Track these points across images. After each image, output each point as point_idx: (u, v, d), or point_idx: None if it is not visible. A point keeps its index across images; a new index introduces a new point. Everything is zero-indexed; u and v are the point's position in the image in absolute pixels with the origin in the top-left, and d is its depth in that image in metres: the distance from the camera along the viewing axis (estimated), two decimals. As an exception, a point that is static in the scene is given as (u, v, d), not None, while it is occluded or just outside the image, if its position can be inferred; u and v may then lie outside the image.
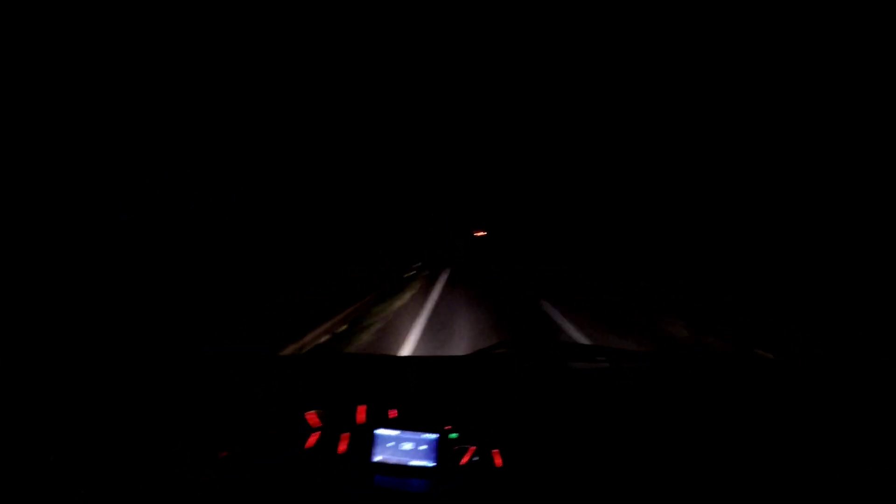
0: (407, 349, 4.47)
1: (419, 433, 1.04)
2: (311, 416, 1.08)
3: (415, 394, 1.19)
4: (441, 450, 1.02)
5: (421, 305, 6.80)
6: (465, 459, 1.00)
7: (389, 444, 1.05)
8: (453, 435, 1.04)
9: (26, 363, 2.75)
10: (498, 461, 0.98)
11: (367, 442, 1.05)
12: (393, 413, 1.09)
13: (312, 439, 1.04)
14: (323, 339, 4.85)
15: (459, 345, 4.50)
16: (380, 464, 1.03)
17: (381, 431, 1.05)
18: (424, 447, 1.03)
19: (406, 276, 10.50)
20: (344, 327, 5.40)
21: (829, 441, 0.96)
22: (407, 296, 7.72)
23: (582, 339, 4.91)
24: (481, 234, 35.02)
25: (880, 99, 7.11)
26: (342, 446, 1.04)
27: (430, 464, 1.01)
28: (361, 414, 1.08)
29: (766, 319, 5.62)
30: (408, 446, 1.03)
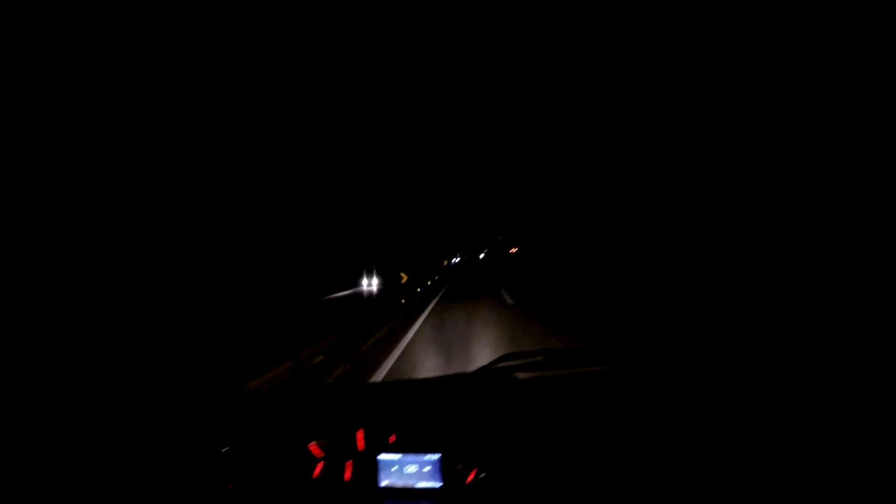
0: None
1: (421, 455, 1.03)
2: (314, 447, 1.09)
3: (413, 417, 1.18)
4: (445, 470, 1.01)
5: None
6: (469, 478, 0.98)
7: (394, 469, 1.04)
8: (454, 455, 1.02)
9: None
10: (500, 478, 0.96)
11: (371, 468, 1.05)
12: (392, 438, 1.08)
13: (318, 469, 1.06)
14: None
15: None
16: (387, 488, 1.03)
17: (383, 456, 1.05)
18: (428, 468, 1.02)
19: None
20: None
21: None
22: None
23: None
24: (514, 250, 37.92)
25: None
26: (347, 474, 1.04)
27: (437, 484, 1.01)
28: (361, 439, 1.08)
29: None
30: (412, 469, 1.03)
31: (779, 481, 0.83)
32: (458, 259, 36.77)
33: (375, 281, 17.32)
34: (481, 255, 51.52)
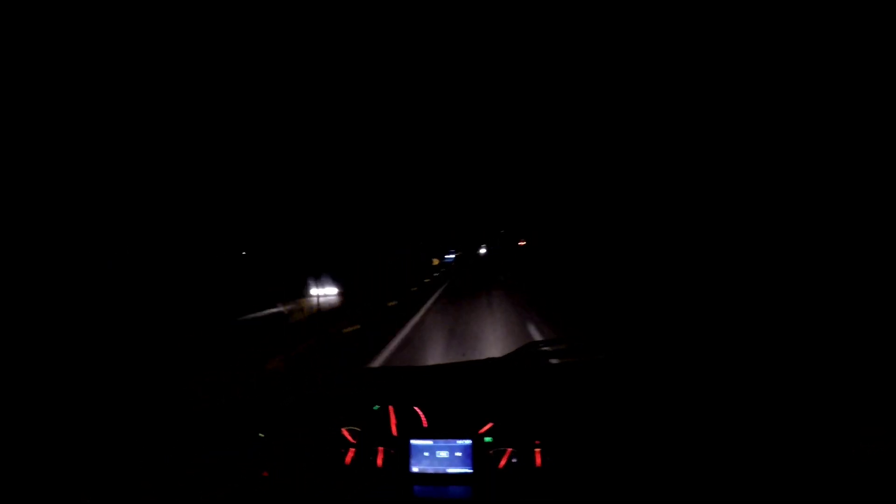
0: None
1: (453, 440, 1.04)
2: (346, 433, 1.10)
3: (444, 401, 1.19)
4: (476, 455, 1.02)
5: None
6: (502, 463, 0.99)
7: (425, 454, 1.05)
8: (488, 439, 1.03)
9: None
10: (538, 461, 0.97)
11: (403, 453, 1.05)
12: (419, 411, 1.10)
13: (350, 455, 1.06)
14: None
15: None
16: (418, 474, 1.03)
17: (416, 441, 1.06)
18: (460, 454, 1.03)
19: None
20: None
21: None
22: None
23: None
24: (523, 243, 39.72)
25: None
26: (380, 459, 1.05)
27: (468, 470, 1.01)
28: (393, 419, 1.09)
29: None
30: (443, 454, 1.04)
31: (779, 481, 0.84)
32: (454, 256, 36.54)
33: (335, 290, 10.05)
34: (481, 251, 48.82)
